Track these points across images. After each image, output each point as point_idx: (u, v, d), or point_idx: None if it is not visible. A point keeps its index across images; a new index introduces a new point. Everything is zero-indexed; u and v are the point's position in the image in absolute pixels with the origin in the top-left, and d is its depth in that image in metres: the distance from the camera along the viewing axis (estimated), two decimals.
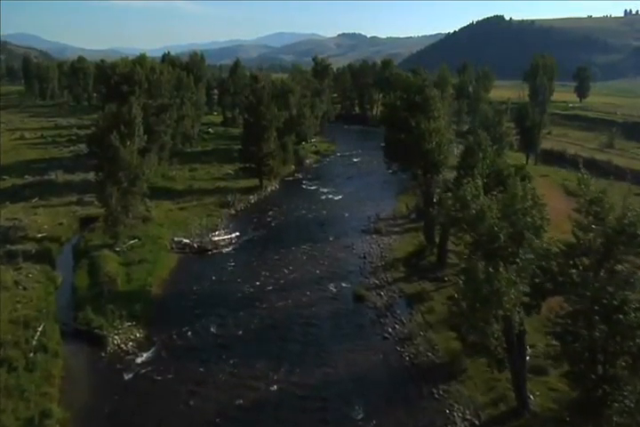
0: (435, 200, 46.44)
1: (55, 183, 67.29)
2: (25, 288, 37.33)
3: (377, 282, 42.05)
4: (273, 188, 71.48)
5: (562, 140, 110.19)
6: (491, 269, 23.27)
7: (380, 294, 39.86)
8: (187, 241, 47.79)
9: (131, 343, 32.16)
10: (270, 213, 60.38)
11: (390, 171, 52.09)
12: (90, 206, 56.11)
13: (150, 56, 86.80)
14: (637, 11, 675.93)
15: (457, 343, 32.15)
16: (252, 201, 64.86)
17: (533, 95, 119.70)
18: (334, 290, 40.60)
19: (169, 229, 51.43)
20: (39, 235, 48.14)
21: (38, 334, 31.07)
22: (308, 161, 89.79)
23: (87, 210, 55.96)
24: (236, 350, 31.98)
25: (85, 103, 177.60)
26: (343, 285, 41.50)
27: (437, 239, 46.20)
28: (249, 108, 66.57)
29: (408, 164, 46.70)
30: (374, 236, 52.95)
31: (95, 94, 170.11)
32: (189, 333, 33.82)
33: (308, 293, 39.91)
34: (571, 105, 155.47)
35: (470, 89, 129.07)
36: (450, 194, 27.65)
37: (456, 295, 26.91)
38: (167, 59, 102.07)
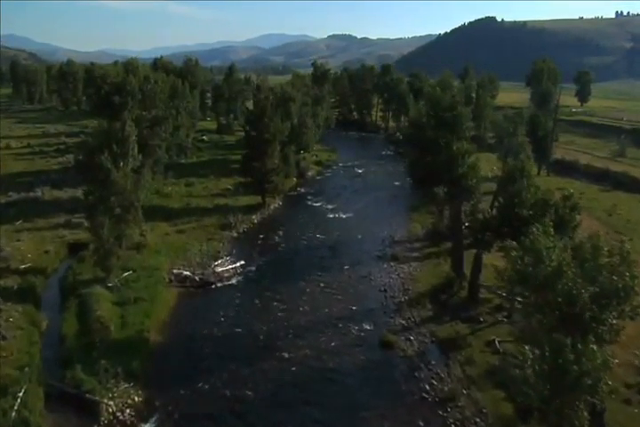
0: (464, 227, 42.00)
1: (41, 201, 62.24)
2: (4, 337, 32.38)
3: (403, 323, 37.44)
4: (276, 205, 66.71)
5: (570, 149, 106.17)
6: (579, 346, 18.86)
7: (410, 339, 35.25)
8: (187, 273, 42.95)
9: (128, 411, 27.28)
10: (276, 235, 55.59)
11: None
12: (79, 230, 51.17)
13: (141, 58, 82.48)
14: (629, 12, 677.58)
15: (507, 406, 27.78)
16: (255, 221, 60.06)
17: (542, 101, 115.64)
18: (357, 333, 35.93)
19: (166, 258, 46.58)
20: (22, 266, 43.14)
21: (18, 402, 26.17)
22: (310, 173, 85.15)
23: (76, 234, 50.98)
24: (252, 418, 27.23)
25: (74, 108, 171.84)
26: (366, 326, 36.85)
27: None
28: (251, 121, 61.82)
29: (436, 188, 42.15)
30: (392, 263, 48.39)
31: (85, 98, 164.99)
32: (196, 394, 28.98)
33: (328, 337, 35.19)
34: (573, 110, 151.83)
35: (473, 95, 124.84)
36: (513, 242, 23.06)
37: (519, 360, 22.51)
38: (160, 64, 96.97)
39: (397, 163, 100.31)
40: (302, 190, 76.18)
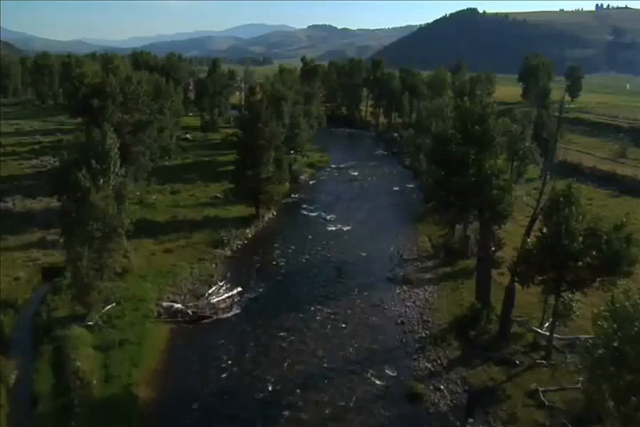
0: (491, 250, 37.44)
1: (12, 213, 56.59)
2: None
3: (429, 366, 32.82)
4: (270, 215, 61.57)
5: (570, 149, 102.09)
6: None
7: (439, 388, 30.62)
8: (179, 306, 37.75)
9: None
10: (273, 253, 50.51)
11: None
12: (54, 250, 45.72)
13: (120, 48, 76.68)
14: (608, 5, 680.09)
15: None
16: (250, 235, 54.94)
17: (539, 99, 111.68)
18: (378, 382, 31.15)
19: (153, 284, 41.41)
20: None
21: None
22: (302, 177, 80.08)
23: (51, 255, 45.60)
24: None
25: (51, 102, 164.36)
26: (387, 371, 32.13)
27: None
28: (244, 126, 56.39)
29: (465, 212, 37.39)
30: (405, 287, 43.73)
31: (61, 91, 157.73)
32: None
33: (346, 389, 30.39)
34: (567, 106, 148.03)
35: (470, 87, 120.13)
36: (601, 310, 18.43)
37: None
38: (141, 59, 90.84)
39: (393, 164, 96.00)
40: (296, 197, 71.15)
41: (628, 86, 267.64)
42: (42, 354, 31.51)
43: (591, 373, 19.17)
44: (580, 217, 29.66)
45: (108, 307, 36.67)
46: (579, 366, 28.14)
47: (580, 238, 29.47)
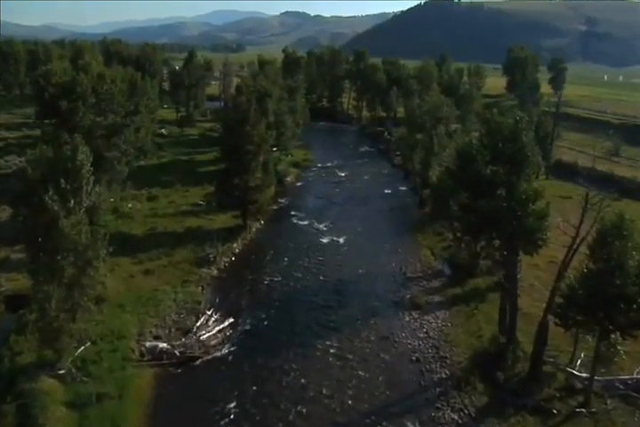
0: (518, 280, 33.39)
1: None
2: None
3: (456, 418, 28.64)
4: (258, 225, 56.73)
5: (562, 146, 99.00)
6: None
7: None
8: (164, 345, 32.97)
9: None
10: (265, 272, 45.74)
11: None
12: (18, 273, 40.39)
13: (90, 34, 70.70)
14: None
15: None
16: (237, 250, 50.08)
17: (533, 91, 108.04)
18: None
19: (133, 315, 36.50)
20: None
21: None
22: (289, 178, 75.26)
23: (15, 280, 40.28)
24: None
25: (17, 92, 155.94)
26: (409, 426, 27.95)
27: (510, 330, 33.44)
28: (229, 128, 51.30)
29: (494, 240, 33.09)
30: (414, 314, 39.55)
31: (28, 79, 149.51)
32: None
33: None
34: (552, 100, 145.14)
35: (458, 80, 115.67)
36: None
37: None
38: (114, 50, 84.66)
39: (381, 163, 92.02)
40: (284, 202, 66.36)
41: (605, 77, 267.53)
42: (4, 416, 26.43)
43: None
44: (634, 252, 25.67)
45: (82, 348, 31.72)
46: None
47: (634, 278, 25.57)
